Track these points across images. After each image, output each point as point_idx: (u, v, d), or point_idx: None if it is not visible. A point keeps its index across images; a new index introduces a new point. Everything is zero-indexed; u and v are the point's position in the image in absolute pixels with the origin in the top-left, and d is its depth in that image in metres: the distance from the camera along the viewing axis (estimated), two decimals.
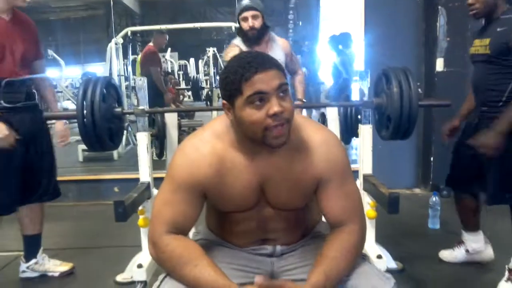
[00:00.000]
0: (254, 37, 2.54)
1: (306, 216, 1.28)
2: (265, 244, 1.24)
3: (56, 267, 2.42)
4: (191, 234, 1.41)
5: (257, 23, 2.51)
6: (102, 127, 1.95)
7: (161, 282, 1.12)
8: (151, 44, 5.30)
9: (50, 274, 2.40)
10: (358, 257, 1.15)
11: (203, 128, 1.21)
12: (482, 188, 2.17)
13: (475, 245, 2.36)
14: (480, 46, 2.07)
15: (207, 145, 1.13)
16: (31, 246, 2.36)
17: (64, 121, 2.51)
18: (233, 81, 1.02)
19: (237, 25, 2.61)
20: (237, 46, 2.57)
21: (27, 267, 2.36)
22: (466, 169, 2.23)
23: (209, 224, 1.34)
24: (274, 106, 1.00)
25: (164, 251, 1.10)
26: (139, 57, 5.91)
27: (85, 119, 1.92)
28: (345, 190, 1.15)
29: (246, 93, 1.00)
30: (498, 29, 1.97)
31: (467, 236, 2.38)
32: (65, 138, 2.46)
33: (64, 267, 2.44)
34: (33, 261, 2.36)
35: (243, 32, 2.56)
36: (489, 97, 2.07)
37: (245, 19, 2.52)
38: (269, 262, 1.23)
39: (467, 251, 2.39)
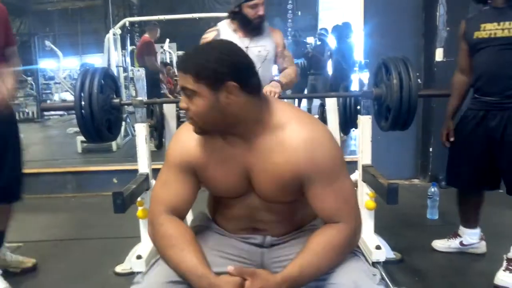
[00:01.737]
0: (258, 26, 2.35)
1: (297, 211, 1.24)
2: (255, 233, 1.24)
3: (18, 263, 2.33)
4: (189, 221, 1.42)
5: (264, 11, 2.32)
6: (100, 118, 1.94)
7: (151, 267, 1.14)
8: (146, 35, 5.37)
9: (11, 270, 2.30)
10: (343, 256, 1.13)
11: None
12: (496, 181, 2.16)
13: (472, 240, 2.37)
14: (499, 29, 2.01)
15: None
16: None
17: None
18: None
19: (236, 10, 2.33)
20: (215, 31, 2.42)
21: None
22: (472, 165, 2.20)
23: (208, 206, 1.37)
24: (181, 102, 1.09)
25: (158, 230, 1.13)
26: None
27: (83, 110, 1.91)
28: (335, 188, 1.11)
29: None
30: None
31: (465, 231, 2.38)
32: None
33: (27, 263, 2.35)
34: None
35: (247, 20, 2.32)
36: (508, 84, 2.02)
37: (255, 6, 2.28)
38: (259, 253, 1.23)
39: (461, 243, 2.40)
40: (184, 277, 1.05)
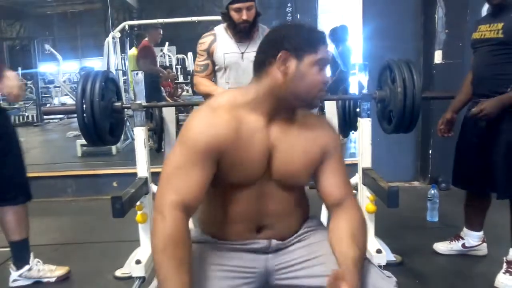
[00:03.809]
0: (245, 31, 2.26)
1: (302, 200, 1.27)
2: (260, 233, 1.19)
3: (51, 272, 2.31)
4: None
5: (251, 15, 2.21)
6: (102, 121, 1.94)
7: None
8: (146, 39, 5.32)
9: (45, 280, 2.28)
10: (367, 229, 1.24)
11: (210, 100, 1.19)
12: (491, 183, 2.13)
13: (474, 242, 2.37)
14: (488, 31, 2.02)
15: (223, 108, 1.10)
16: (21, 252, 2.24)
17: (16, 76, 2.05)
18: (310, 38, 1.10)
19: (225, 11, 2.24)
20: (212, 35, 2.34)
21: (20, 275, 2.23)
22: (472, 166, 2.19)
23: (201, 219, 1.27)
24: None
25: (165, 226, 1.01)
26: (131, 52, 5.88)
27: (84, 114, 1.91)
28: (342, 165, 1.24)
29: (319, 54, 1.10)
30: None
31: (468, 233, 2.37)
32: (12, 90, 1.95)
33: (60, 271, 2.33)
34: (26, 267, 2.23)
35: (233, 23, 2.24)
36: (493, 86, 2.02)
37: (239, 10, 2.18)
38: (263, 260, 1.19)
39: (464, 246, 2.39)
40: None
